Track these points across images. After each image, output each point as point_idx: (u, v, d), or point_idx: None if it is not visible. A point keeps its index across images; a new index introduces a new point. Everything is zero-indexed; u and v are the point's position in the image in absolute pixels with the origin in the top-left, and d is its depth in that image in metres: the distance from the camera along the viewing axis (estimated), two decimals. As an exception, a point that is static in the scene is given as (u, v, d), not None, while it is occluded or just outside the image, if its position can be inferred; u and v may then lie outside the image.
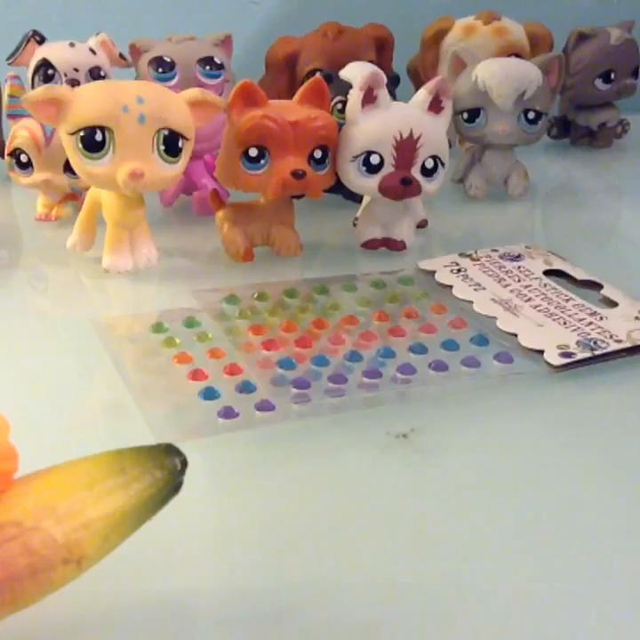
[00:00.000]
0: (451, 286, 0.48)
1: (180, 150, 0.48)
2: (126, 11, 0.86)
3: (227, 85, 0.62)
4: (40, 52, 0.64)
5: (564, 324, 0.44)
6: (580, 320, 0.44)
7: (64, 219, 0.58)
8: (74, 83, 0.61)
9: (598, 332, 0.43)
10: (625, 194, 0.72)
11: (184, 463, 0.26)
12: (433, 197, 0.54)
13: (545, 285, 0.48)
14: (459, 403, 0.38)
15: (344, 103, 0.53)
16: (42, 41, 0.65)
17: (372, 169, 0.50)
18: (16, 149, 0.56)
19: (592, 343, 0.42)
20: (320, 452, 0.35)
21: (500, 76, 0.61)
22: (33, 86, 0.63)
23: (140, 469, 0.25)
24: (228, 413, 0.36)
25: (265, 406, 0.37)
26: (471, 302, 0.47)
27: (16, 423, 0.25)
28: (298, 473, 0.34)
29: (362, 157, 0.50)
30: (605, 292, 0.47)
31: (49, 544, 0.23)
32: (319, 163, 0.51)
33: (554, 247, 0.54)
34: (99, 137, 0.46)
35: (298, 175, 0.49)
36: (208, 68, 0.62)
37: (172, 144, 0.47)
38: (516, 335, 0.43)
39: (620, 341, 0.42)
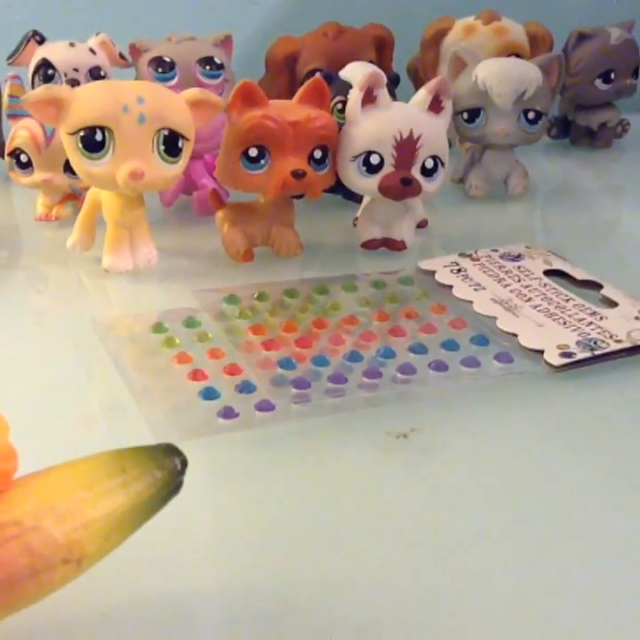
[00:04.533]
0: (451, 286, 0.48)
1: (180, 150, 0.48)
2: (126, 11, 0.86)
3: (227, 85, 0.62)
4: (40, 52, 0.64)
5: (564, 323, 0.44)
6: (580, 320, 0.44)
7: (64, 219, 0.58)
8: (74, 83, 0.61)
9: (598, 332, 0.43)
10: (625, 194, 0.72)
11: (184, 463, 0.26)
12: (433, 197, 0.54)
13: (545, 285, 0.48)
14: (459, 403, 0.38)
15: (344, 103, 0.53)
16: (42, 41, 0.65)
17: (372, 169, 0.50)
18: (16, 149, 0.56)
19: (592, 343, 0.42)
20: (320, 452, 0.35)
21: (500, 76, 0.60)
22: (33, 86, 0.63)
23: (140, 469, 0.25)
24: (227, 413, 0.36)
25: (265, 406, 0.37)
26: (471, 302, 0.47)
27: (16, 423, 0.25)
28: (298, 473, 0.34)
29: (362, 157, 0.50)
30: (605, 292, 0.47)
31: (49, 544, 0.23)
32: (319, 163, 0.51)
33: (554, 247, 0.54)
34: (99, 137, 0.46)
35: (298, 175, 0.49)
36: (208, 67, 0.62)
37: (172, 144, 0.47)
38: (515, 335, 0.43)
39: (620, 341, 0.42)
